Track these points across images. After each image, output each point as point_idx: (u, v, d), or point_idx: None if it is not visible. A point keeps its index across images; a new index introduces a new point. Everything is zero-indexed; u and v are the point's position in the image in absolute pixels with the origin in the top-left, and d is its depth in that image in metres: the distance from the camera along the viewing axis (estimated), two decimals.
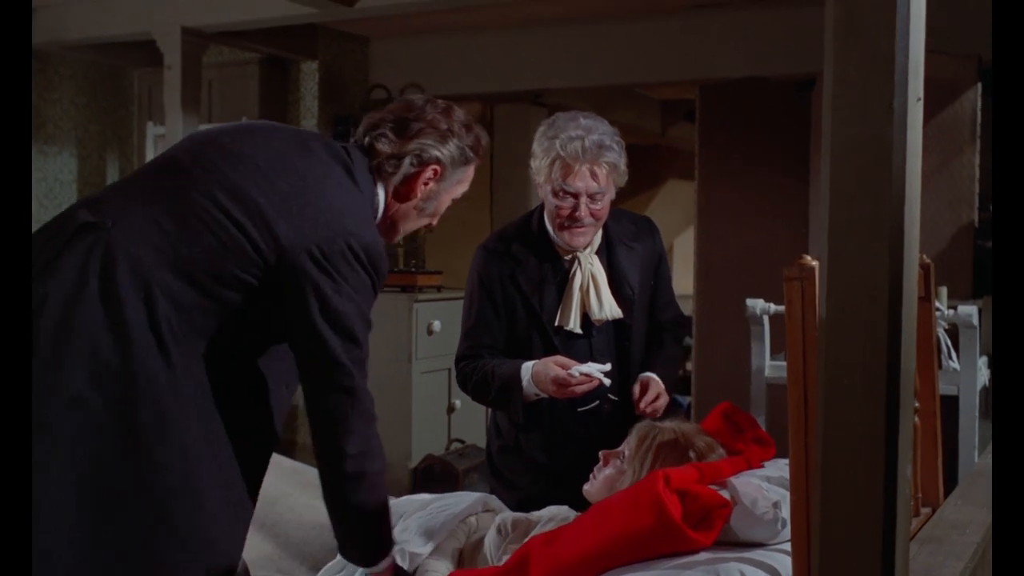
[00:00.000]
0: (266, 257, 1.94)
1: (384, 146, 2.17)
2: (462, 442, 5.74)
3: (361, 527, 2.11)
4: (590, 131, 2.66)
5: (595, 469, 2.42)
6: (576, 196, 2.68)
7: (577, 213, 2.69)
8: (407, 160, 2.17)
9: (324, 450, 2.05)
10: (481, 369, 2.78)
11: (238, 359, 2.02)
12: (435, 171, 2.20)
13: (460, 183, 2.29)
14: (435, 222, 2.33)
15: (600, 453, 2.43)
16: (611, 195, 2.74)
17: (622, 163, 2.72)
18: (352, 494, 2.06)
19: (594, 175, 2.67)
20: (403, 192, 2.21)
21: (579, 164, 2.65)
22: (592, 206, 2.70)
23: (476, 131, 2.28)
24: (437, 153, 2.19)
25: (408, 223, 2.27)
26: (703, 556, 1.95)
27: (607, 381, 2.66)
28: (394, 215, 2.23)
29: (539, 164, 2.72)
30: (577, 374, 2.62)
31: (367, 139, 2.19)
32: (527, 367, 2.69)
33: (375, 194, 2.16)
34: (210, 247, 1.92)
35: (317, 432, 2.04)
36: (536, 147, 2.73)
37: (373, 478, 2.07)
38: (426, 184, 2.21)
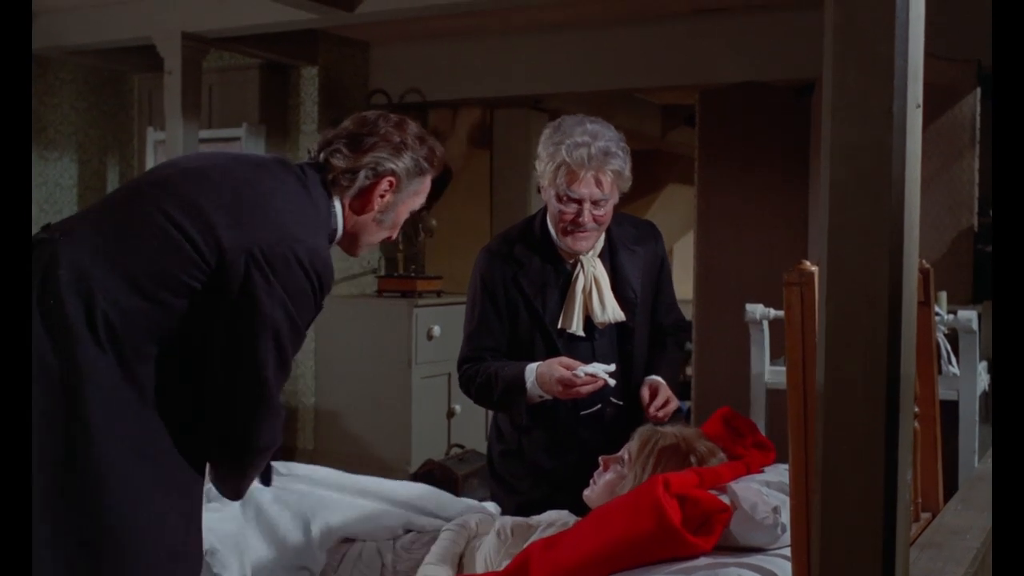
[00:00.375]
0: (208, 259, 1.96)
1: (339, 161, 2.19)
2: (462, 447, 5.73)
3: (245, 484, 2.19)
4: (596, 137, 2.65)
5: (595, 474, 2.42)
6: (580, 202, 2.68)
7: (580, 219, 2.69)
8: (362, 173, 2.20)
9: (228, 443, 2.06)
10: (484, 372, 2.78)
11: (189, 363, 2.03)
12: (390, 183, 2.23)
13: (416, 194, 2.31)
14: (395, 234, 2.36)
15: (600, 458, 2.44)
16: (614, 200, 2.74)
17: (627, 169, 2.71)
18: (248, 471, 2.13)
19: (599, 183, 2.66)
20: (359, 205, 2.23)
21: (584, 171, 2.65)
22: (595, 212, 2.69)
23: (430, 143, 2.31)
24: (392, 165, 2.22)
25: (368, 236, 2.30)
26: (703, 561, 1.96)
27: (612, 381, 2.66)
28: (353, 228, 2.26)
29: (544, 168, 2.71)
30: (583, 374, 2.62)
31: (322, 155, 2.22)
32: (531, 368, 2.70)
33: (331, 207, 2.20)
34: (152, 250, 1.96)
35: (222, 423, 2.04)
36: (541, 150, 2.72)
37: (268, 456, 2.14)
38: (382, 196, 2.24)
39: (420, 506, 2.66)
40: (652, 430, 2.41)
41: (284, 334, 2.01)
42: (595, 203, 2.68)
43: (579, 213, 2.68)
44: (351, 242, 2.30)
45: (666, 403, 2.73)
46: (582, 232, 2.72)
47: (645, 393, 2.75)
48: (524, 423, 2.79)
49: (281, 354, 2.03)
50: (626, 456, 2.37)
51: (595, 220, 2.71)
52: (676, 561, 1.95)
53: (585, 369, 2.63)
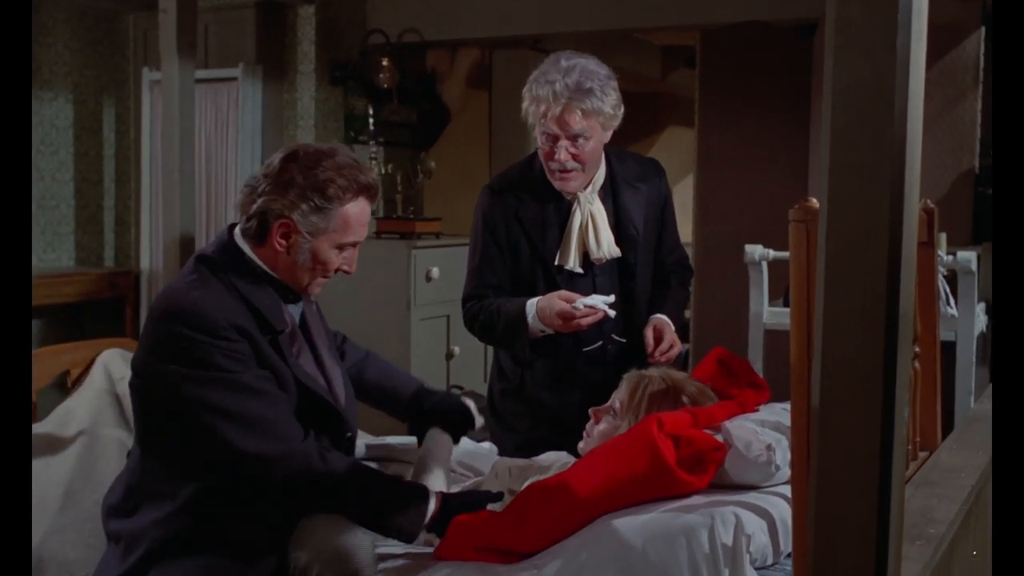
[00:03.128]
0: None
1: (240, 208, 2.13)
2: (461, 388, 5.76)
3: (363, 503, 2.10)
4: (568, 73, 2.62)
5: (588, 427, 2.41)
6: (555, 138, 2.66)
7: (557, 156, 2.67)
8: (253, 221, 2.09)
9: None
10: (487, 308, 2.78)
11: None
12: (285, 225, 2.08)
13: (336, 232, 2.11)
14: (351, 268, 2.18)
15: (591, 411, 2.42)
16: (597, 138, 2.70)
17: (607, 106, 2.66)
18: (322, 489, 2.08)
19: (567, 117, 2.62)
20: (267, 248, 2.12)
21: (553, 107, 2.62)
22: (572, 149, 2.66)
23: (324, 174, 2.08)
24: (278, 207, 2.07)
25: (297, 277, 2.15)
26: (699, 499, 1.97)
27: (612, 312, 2.66)
28: (279, 269, 2.14)
29: (524, 106, 2.72)
30: (582, 306, 2.62)
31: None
32: (532, 303, 2.70)
33: (245, 255, 2.13)
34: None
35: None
36: (524, 89, 2.72)
37: (318, 467, 2.06)
38: (283, 239, 2.09)
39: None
40: (639, 376, 2.39)
41: (209, 398, 2.00)
42: (571, 139, 2.66)
43: (554, 150, 2.66)
44: (292, 283, 2.17)
45: (670, 347, 2.74)
46: (564, 172, 2.70)
47: (649, 335, 2.75)
48: (527, 357, 2.79)
49: (240, 424, 2.01)
50: (617, 405, 2.36)
51: (574, 159, 2.68)
52: (672, 500, 1.97)
53: (584, 301, 2.63)
